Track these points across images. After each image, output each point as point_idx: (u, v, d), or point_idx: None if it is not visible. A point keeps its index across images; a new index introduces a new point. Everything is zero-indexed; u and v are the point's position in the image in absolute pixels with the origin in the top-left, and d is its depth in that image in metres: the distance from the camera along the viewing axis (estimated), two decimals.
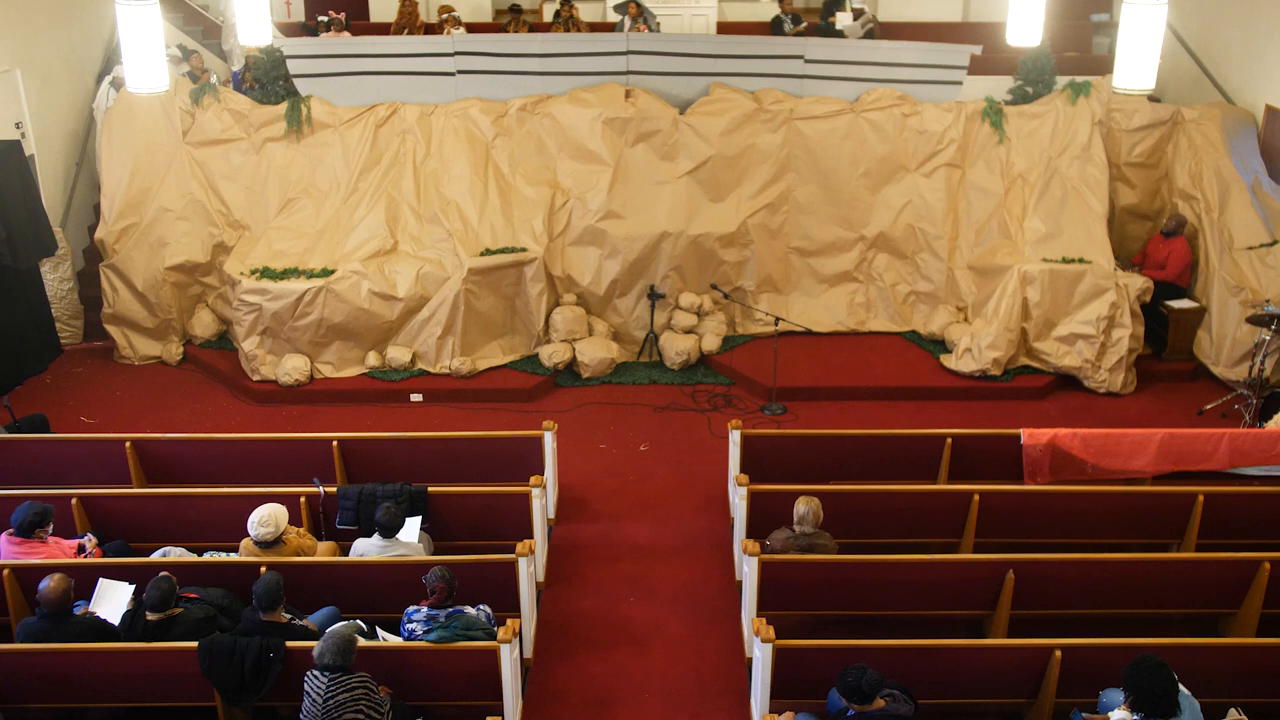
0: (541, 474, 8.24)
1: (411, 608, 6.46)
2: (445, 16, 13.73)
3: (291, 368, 10.82)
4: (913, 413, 10.52)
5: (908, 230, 11.76)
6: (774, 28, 14.17)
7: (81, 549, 7.25)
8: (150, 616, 6.31)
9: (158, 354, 11.68)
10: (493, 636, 6.35)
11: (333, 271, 10.82)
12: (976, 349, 10.94)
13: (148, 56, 7.13)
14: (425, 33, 13.79)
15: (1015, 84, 12.25)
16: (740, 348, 11.61)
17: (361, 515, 7.61)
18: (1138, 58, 6.92)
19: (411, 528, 7.32)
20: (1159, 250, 11.43)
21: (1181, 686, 5.56)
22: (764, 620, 6.37)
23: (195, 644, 6.19)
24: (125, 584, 6.71)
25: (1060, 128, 11.57)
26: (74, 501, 7.67)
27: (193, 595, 6.60)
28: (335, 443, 8.29)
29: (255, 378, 10.94)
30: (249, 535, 7.03)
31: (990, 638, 7.05)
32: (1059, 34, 13.76)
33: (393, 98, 11.80)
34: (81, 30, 12.75)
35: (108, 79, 12.43)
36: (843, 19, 13.68)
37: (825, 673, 5.99)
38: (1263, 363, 10.11)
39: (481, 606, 6.66)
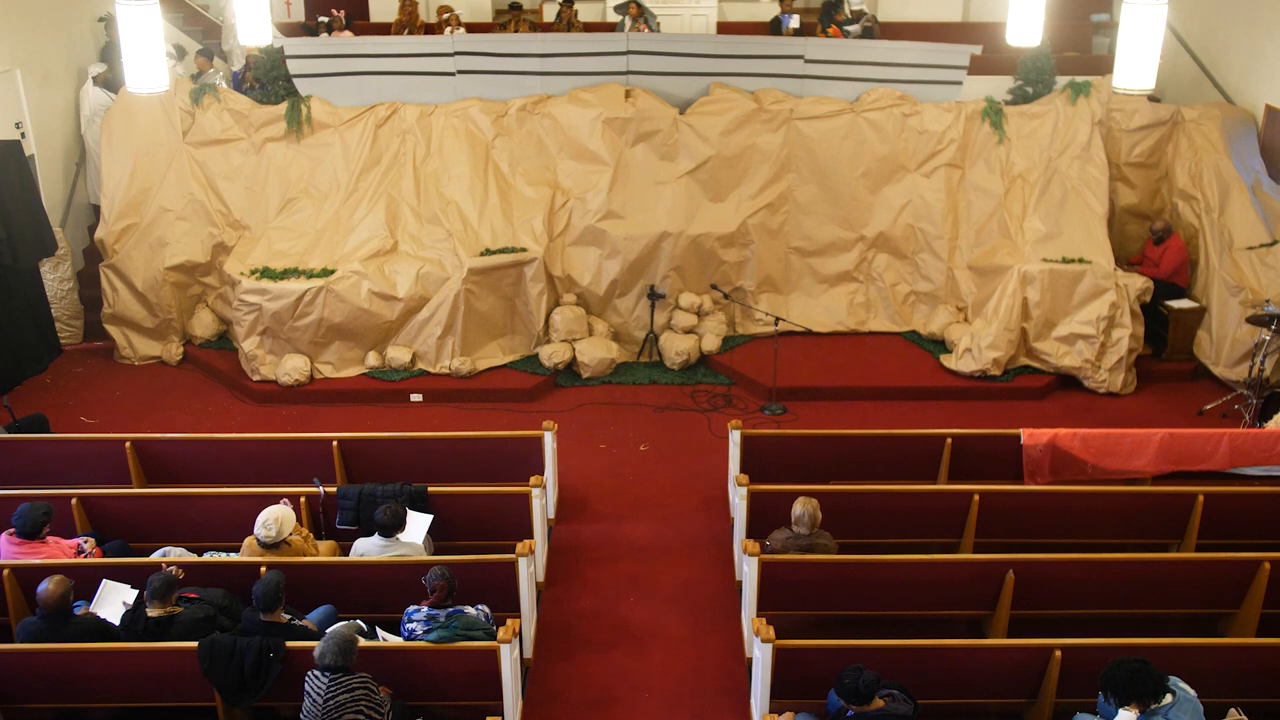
0: (541, 474, 8.24)
1: (411, 608, 6.47)
2: (445, 16, 13.74)
3: (291, 368, 10.82)
4: (913, 413, 10.52)
5: (908, 230, 11.76)
6: (773, 28, 14.18)
7: (80, 549, 7.25)
8: (151, 612, 6.32)
9: (158, 354, 11.68)
10: (493, 636, 6.35)
11: (333, 271, 10.82)
12: (976, 349, 10.94)
13: (148, 56, 7.13)
14: (425, 33, 13.79)
15: (1015, 84, 12.25)
16: (740, 348, 11.61)
17: (361, 515, 7.61)
18: (1138, 58, 6.93)
19: (420, 524, 7.33)
20: (1154, 251, 11.44)
21: (1184, 684, 5.56)
22: (764, 620, 6.38)
23: (195, 644, 6.20)
24: (128, 587, 6.71)
25: (1060, 128, 11.57)
26: (74, 501, 7.67)
27: (193, 595, 6.60)
28: (335, 443, 8.30)
29: (255, 378, 10.94)
30: (254, 535, 7.04)
31: (990, 638, 7.06)
32: (1059, 34, 13.76)
33: (393, 98, 11.80)
34: (81, 30, 12.75)
35: (90, 77, 12.41)
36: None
37: (825, 673, 6.00)
38: (1263, 363, 10.11)
39: (481, 606, 6.66)
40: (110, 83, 12.26)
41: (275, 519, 6.96)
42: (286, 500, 7.30)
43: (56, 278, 11.68)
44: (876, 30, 13.85)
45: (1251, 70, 12.30)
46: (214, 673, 6.16)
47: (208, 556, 7.32)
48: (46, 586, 6.28)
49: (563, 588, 8.01)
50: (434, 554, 7.44)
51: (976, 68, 12.20)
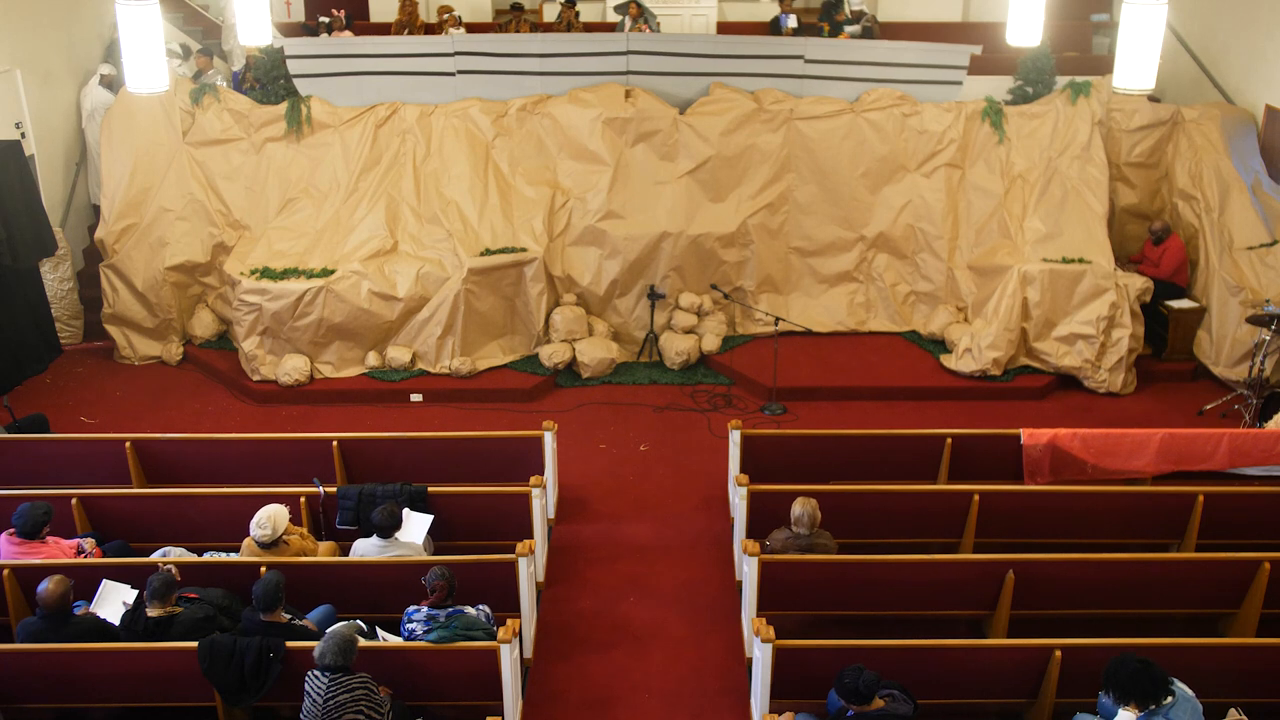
0: (541, 474, 8.24)
1: (411, 608, 6.47)
2: (445, 16, 13.74)
3: (291, 368, 10.82)
4: (913, 413, 10.52)
5: (908, 230, 11.76)
6: (772, 28, 14.18)
7: (80, 549, 7.25)
8: (151, 612, 6.32)
9: (158, 354, 11.68)
10: (493, 636, 6.35)
11: (333, 271, 10.82)
12: (976, 349, 10.94)
13: (148, 56, 7.13)
14: (425, 33, 13.79)
15: (1015, 84, 12.26)
16: (740, 348, 11.61)
17: (361, 515, 7.61)
18: (1138, 58, 6.93)
19: (420, 525, 7.32)
20: (1153, 252, 11.45)
21: (1183, 684, 5.57)
22: (764, 620, 6.37)
23: (195, 644, 6.20)
24: (128, 587, 6.71)
25: (1060, 128, 11.57)
26: (74, 501, 7.67)
27: (193, 595, 6.60)
28: (335, 443, 8.30)
29: (255, 378, 10.94)
30: (250, 536, 7.04)
31: (990, 638, 7.06)
32: (1059, 34, 13.77)
33: (393, 98, 11.80)
34: (81, 30, 12.75)
35: (95, 76, 12.41)
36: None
37: (825, 673, 5.99)
38: (1263, 363, 10.11)
39: (481, 606, 6.66)
40: (115, 84, 12.27)
41: (269, 517, 6.97)
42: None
43: (56, 278, 11.68)
44: (876, 30, 13.85)
45: (1251, 70, 12.30)
46: (214, 673, 6.16)
47: (207, 556, 7.32)
48: (46, 586, 6.28)
49: (563, 588, 8.01)
50: (434, 554, 7.44)
51: (976, 68, 12.20)
